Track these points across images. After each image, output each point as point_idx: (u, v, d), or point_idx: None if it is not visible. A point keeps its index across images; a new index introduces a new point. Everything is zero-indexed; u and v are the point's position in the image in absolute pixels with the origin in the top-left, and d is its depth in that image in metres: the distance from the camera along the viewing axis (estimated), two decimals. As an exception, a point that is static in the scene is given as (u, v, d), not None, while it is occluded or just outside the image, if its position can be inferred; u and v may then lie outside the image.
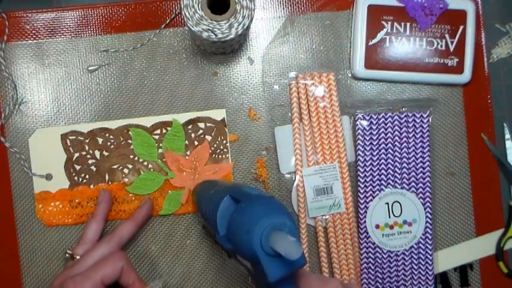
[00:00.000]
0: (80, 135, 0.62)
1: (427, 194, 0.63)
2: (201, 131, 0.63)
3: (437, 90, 0.65)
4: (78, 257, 0.55)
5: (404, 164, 0.63)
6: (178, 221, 0.63)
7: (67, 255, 0.57)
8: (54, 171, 0.62)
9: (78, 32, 0.63)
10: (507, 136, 0.65)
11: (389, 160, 0.63)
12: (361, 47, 0.62)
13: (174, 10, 0.63)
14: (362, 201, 0.63)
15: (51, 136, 0.62)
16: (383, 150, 0.63)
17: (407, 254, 0.63)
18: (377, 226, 0.63)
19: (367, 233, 0.62)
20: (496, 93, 0.65)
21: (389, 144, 0.63)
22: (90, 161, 0.62)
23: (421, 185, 0.63)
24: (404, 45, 0.63)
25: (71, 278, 0.51)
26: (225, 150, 0.63)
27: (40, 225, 0.62)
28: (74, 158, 0.62)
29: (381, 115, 0.63)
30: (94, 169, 0.62)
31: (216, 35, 0.55)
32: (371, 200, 0.62)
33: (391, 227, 0.63)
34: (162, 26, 0.63)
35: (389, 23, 0.63)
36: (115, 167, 0.62)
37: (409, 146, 0.63)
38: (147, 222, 0.62)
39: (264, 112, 0.64)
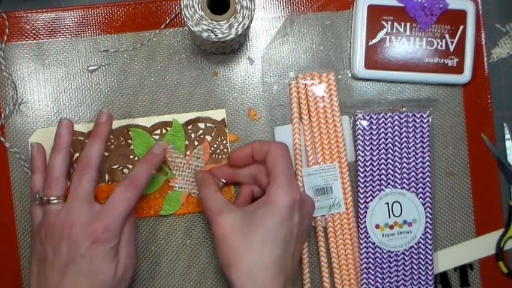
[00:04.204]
0: (80, 135, 0.62)
1: (427, 194, 0.63)
2: (201, 131, 0.63)
3: (437, 90, 0.65)
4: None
5: (404, 164, 0.63)
6: (178, 221, 0.63)
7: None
8: (54, 171, 0.62)
9: (78, 32, 0.63)
10: (507, 136, 0.65)
11: (389, 160, 0.63)
12: (361, 47, 0.62)
13: (174, 10, 0.63)
14: (362, 201, 0.63)
15: (51, 136, 0.62)
16: (383, 150, 0.63)
17: (407, 254, 0.63)
18: (377, 226, 0.63)
19: (367, 233, 0.62)
20: (496, 93, 0.65)
21: (389, 144, 0.63)
22: (90, 161, 0.62)
23: (421, 185, 0.63)
24: (404, 45, 0.63)
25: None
26: (225, 150, 0.63)
27: (40, 225, 0.62)
28: (74, 158, 0.62)
29: (381, 115, 0.63)
30: (94, 169, 0.62)
31: (216, 35, 0.55)
32: (371, 200, 0.62)
33: (391, 227, 0.63)
34: (162, 26, 0.63)
35: (389, 23, 0.63)
36: (115, 167, 0.62)
37: (409, 146, 0.63)
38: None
39: (264, 112, 0.64)
